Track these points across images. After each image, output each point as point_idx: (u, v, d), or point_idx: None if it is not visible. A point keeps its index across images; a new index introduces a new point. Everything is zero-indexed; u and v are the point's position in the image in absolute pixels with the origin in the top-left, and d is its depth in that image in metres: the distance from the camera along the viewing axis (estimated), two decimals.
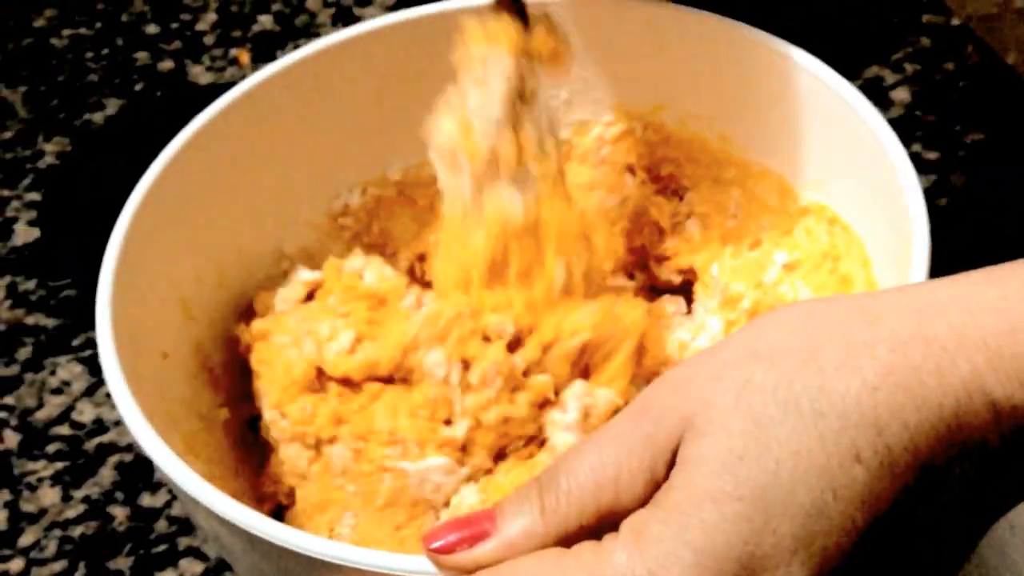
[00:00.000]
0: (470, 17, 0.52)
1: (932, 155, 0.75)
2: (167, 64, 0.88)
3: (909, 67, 0.81)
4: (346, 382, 0.54)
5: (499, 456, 0.52)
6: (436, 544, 0.36)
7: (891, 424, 0.33)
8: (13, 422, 0.68)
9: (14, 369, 0.70)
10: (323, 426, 0.53)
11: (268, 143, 0.60)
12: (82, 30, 0.92)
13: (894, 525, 0.33)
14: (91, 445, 0.66)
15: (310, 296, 0.58)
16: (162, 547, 0.61)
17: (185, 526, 0.62)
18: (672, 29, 0.60)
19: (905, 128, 0.76)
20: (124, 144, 0.82)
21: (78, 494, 0.64)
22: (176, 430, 0.50)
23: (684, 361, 0.38)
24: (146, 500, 0.63)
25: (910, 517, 0.33)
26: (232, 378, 0.57)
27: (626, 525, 0.34)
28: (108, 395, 0.48)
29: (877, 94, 0.78)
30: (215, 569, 0.60)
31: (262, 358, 0.55)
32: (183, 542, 0.61)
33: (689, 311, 0.60)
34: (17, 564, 0.62)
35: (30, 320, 0.73)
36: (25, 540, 0.63)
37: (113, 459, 0.65)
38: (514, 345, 0.51)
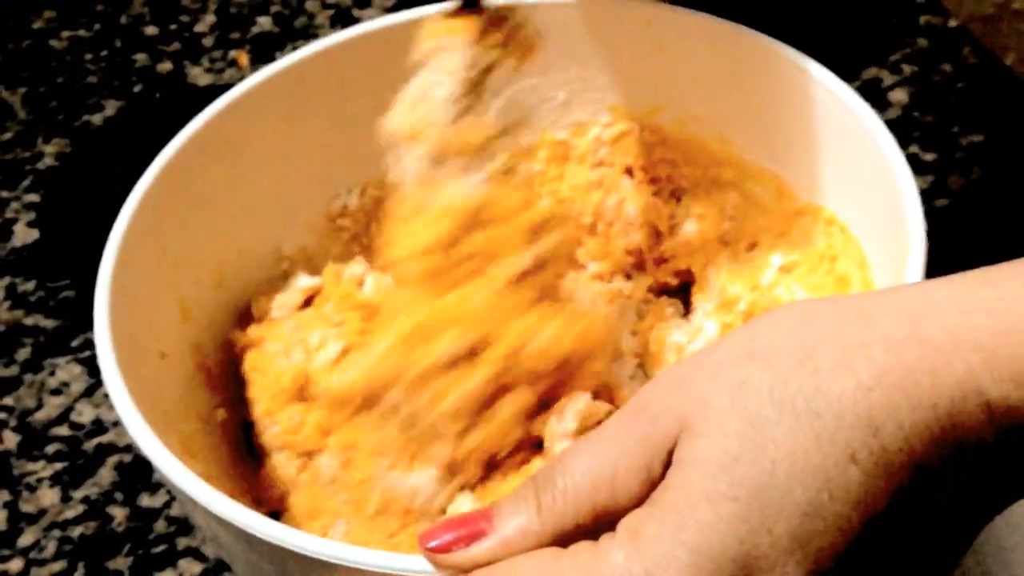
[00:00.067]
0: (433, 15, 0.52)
1: (930, 156, 0.75)
2: (166, 65, 0.88)
3: (907, 68, 0.81)
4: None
5: (491, 464, 0.51)
6: (432, 543, 0.36)
7: (886, 424, 0.33)
8: (12, 423, 0.68)
9: (13, 370, 0.70)
10: (310, 436, 0.53)
11: (267, 144, 0.60)
12: (81, 31, 0.92)
13: (889, 525, 0.33)
14: (90, 446, 0.66)
15: (308, 302, 0.58)
16: (161, 547, 0.61)
17: (184, 526, 0.62)
18: (670, 30, 0.60)
19: (903, 129, 0.76)
20: (123, 145, 0.82)
21: (77, 494, 0.64)
22: (174, 430, 0.50)
23: (680, 361, 0.38)
24: (145, 500, 0.63)
25: (905, 517, 0.33)
26: (229, 379, 0.57)
27: (623, 525, 0.34)
28: (107, 396, 0.48)
29: (875, 95, 0.78)
30: (214, 569, 0.60)
31: (254, 365, 0.55)
32: (182, 542, 0.61)
33: (687, 314, 0.60)
34: (16, 564, 0.62)
35: (29, 321, 0.73)
36: (24, 540, 0.63)
37: (112, 460, 0.65)
38: (477, 350, 0.49)
